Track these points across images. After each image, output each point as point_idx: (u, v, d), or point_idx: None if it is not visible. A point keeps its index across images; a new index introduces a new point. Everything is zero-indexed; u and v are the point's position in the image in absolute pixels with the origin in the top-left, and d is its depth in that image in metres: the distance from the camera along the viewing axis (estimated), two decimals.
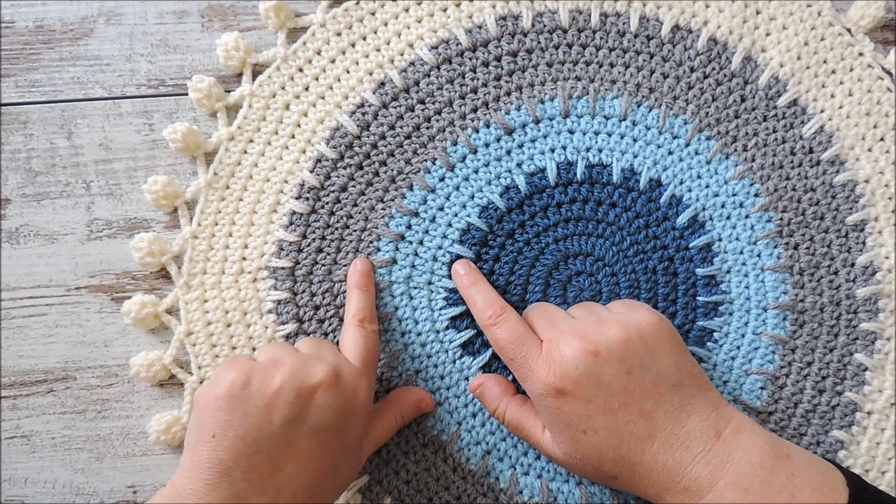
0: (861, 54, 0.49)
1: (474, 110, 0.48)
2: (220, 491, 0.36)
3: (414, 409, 0.46)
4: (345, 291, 0.47)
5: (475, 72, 0.49)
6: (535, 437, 0.43)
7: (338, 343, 0.46)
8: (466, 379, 0.47)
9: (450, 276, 0.47)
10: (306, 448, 0.38)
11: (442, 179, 0.48)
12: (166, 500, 0.36)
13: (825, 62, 0.49)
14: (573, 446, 0.40)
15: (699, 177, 0.48)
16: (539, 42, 0.49)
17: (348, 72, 0.49)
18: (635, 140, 0.48)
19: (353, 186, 0.48)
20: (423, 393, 0.47)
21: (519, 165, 0.48)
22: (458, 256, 0.47)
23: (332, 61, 0.49)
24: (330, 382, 0.39)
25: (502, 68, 0.49)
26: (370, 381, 0.43)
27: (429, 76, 0.49)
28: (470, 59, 0.49)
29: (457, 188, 0.48)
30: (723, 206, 0.48)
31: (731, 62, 0.48)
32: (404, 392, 0.46)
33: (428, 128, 0.48)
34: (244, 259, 0.48)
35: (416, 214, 0.48)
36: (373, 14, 0.49)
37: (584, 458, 0.40)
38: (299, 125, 0.49)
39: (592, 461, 0.40)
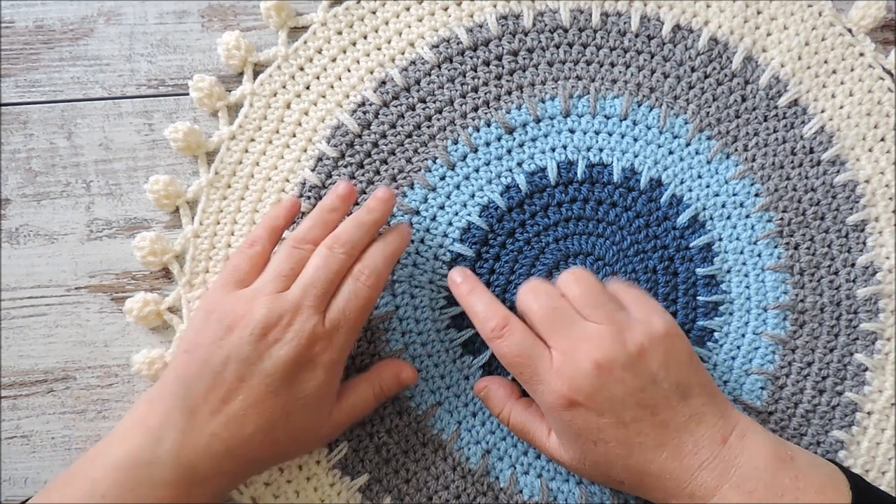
0: (862, 54, 0.49)
1: (475, 109, 0.48)
2: (177, 401, 0.39)
3: (394, 380, 0.45)
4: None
5: (476, 70, 0.49)
6: (541, 441, 0.43)
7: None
8: (467, 378, 0.47)
9: None
10: (256, 387, 0.39)
11: (443, 178, 0.48)
12: (137, 411, 0.40)
13: (826, 62, 0.49)
14: (582, 455, 0.40)
15: (700, 176, 0.48)
16: (540, 41, 0.49)
17: (349, 70, 0.49)
18: (636, 140, 0.48)
19: (355, 185, 0.48)
20: (404, 364, 0.46)
21: (519, 164, 0.48)
22: (459, 255, 0.47)
23: (333, 60, 0.49)
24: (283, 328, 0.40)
25: (503, 67, 0.49)
26: (335, 336, 0.41)
27: (430, 75, 0.49)
28: (471, 57, 0.49)
29: (457, 187, 0.48)
30: (723, 206, 0.48)
31: (731, 62, 0.48)
32: (385, 363, 0.46)
33: (429, 126, 0.48)
34: None
35: (418, 213, 0.48)
36: (374, 13, 0.49)
37: (593, 466, 0.40)
38: (300, 124, 0.49)
39: (601, 468, 0.40)
